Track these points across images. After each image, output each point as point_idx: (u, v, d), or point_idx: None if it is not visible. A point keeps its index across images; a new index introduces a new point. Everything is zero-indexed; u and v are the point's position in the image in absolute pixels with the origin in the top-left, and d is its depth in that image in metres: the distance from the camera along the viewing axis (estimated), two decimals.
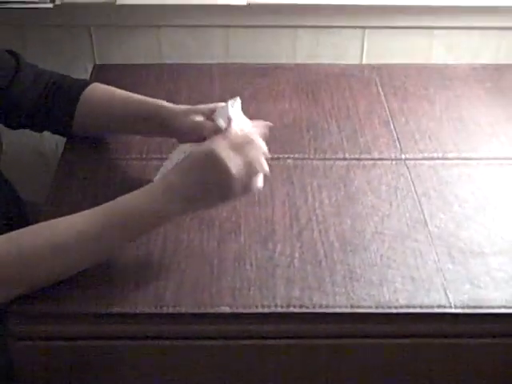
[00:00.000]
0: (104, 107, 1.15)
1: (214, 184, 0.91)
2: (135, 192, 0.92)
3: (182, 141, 1.08)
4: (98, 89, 1.17)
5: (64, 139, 1.23)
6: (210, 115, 1.03)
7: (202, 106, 1.07)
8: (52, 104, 1.15)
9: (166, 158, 1.11)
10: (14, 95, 1.12)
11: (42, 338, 0.92)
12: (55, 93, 1.15)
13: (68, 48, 1.49)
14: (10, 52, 1.15)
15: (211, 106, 1.06)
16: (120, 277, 0.94)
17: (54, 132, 1.21)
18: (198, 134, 1.01)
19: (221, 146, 0.91)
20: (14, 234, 0.91)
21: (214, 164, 0.90)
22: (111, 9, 1.42)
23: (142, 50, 1.50)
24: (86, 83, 1.17)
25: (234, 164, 0.90)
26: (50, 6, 1.37)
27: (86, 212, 0.93)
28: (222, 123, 0.98)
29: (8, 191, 1.14)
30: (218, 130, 0.97)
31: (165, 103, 1.10)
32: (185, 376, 0.96)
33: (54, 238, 0.90)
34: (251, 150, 0.92)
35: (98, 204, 1.04)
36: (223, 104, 1.02)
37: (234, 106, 0.99)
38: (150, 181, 1.11)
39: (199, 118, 1.04)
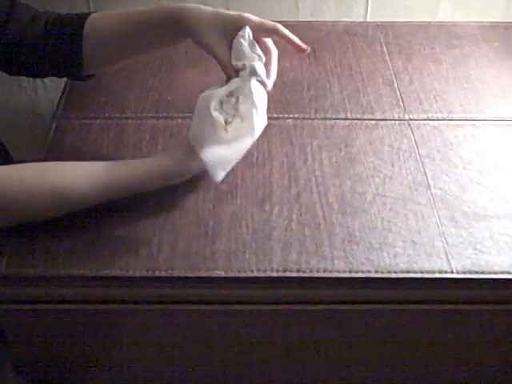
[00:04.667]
0: (114, 31, 1.07)
1: None
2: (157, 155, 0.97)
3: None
4: (100, 16, 1.09)
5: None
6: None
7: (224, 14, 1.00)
8: (55, 44, 1.07)
9: (167, 117, 1.09)
10: (10, 35, 1.06)
11: (30, 302, 0.90)
12: (57, 31, 1.08)
13: None
14: None
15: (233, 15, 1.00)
16: (111, 239, 0.92)
17: (63, 75, 1.14)
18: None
19: None
20: (19, 166, 0.91)
21: None
22: None
23: (139, 1, 1.45)
24: (86, 15, 1.09)
25: None
26: None
27: (103, 164, 0.94)
28: (238, 64, 0.96)
29: None
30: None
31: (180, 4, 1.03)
32: (178, 340, 0.94)
33: (61, 183, 0.91)
34: None
35: None
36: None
37: (246, 39, 0.96)
38: (145, 141, 1.09)
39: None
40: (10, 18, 1.06)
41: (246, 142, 0.95)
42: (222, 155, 0.93)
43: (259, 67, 0.95)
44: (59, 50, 1.08)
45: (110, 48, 1.09)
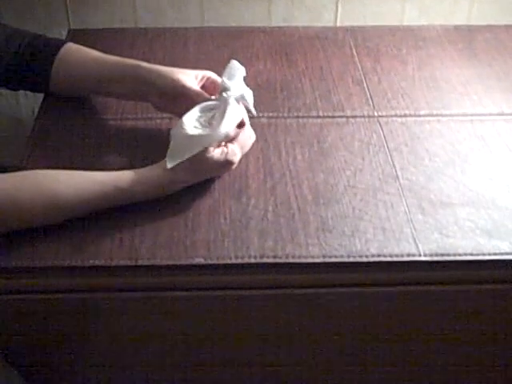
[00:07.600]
0: (79, 69, 1.15)
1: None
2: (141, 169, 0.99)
3: (157, 105, 1.11)
4: (73, 50, 1.17)
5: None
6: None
7: (186, 70, 1.10)
8: (27, 64, 1.14)
9: (146, 119, 1.15)
10: None
11: (17, 292, 0.93)
12: (30, 53, 1.14)
13: (42, 13, 1.49)
14: None
15: (196, 72, 1.10)
16: (95, 231, 0.96)
17: (31, 90, 1.21)
18: (182, 96, 1.07)
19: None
20: (10, 177, 0.94)
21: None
22: None
23: (117, 15, 1.50)
24: (60, 43, 1.16)
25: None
26: None
27: (93, 177, 0.97)
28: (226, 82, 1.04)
29: None
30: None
31: (142, 63, 1.11)
32: (160, 327, 0.98)
33: (56, 196, 0.94)
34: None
35: (73, 167, 1.06)
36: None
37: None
38: (125, 142, 1.13)
39: (187, 80, 1.07)
40: None
41: (207, 139, 0.99)
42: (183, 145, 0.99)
43: (249, 95, 1.05)
44: (29, 73, 1.15)
45: (74, 82, 1.17)
